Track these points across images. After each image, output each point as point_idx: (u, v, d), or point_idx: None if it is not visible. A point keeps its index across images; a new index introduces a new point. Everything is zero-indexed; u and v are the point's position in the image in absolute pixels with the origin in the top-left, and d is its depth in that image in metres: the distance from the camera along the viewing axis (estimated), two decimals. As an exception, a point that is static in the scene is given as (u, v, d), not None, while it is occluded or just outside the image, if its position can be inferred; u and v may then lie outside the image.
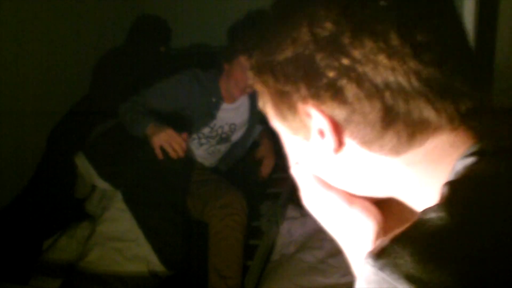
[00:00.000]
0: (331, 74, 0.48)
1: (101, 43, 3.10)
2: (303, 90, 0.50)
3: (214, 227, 2.03)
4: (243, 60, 2.10)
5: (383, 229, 0.56)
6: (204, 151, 2.38)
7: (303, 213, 2.35)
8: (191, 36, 3.31)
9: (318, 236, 2.19)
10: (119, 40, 3.21)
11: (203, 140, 2.33)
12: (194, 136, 2.30)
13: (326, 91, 0.48)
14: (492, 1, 3.58)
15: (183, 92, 2.18)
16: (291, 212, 2.37)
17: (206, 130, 2.30)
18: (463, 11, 2.42)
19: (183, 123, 2.21)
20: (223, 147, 2.43)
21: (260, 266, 2.06)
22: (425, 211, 0.46)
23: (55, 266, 1.93)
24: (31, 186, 2.42)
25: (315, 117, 0.50)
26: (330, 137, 0.51)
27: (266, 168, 2.45)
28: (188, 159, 2.21)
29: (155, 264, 1.94)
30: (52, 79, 2.69)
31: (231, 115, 2.34)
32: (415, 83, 0.47)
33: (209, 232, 2.03)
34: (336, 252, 2.12)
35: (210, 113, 2.26)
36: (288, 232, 2.29)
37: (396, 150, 0.50)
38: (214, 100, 2.25)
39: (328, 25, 0.47)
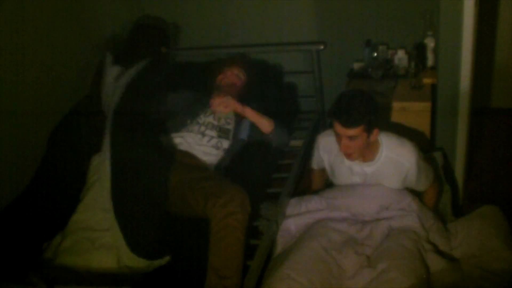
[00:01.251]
0: None
1: (101, 43, 3.10)
2: None
3: (215, 225, 2.02)
4: None
5: None
6: (208, 142, 2.45)
7: (301, 210, 2.36)
8: (191, 36, 3.31)
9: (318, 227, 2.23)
10: (119, 40, 3.21)
11: (203, 128, 2.50)
12: (195, 126, 2.49)
13: None
14: (492, 1, 3.58)
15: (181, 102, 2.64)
16: (288, 210, 2.38)
17: (201, 117, 2.54)
18: (463, 11, 2.42)
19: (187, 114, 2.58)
20: (225, 143, 2.49)
21: (260, 266, 2.06)
22: None
23: (53, 264, 1.93)
24: (31, 187, 2.42)
25: None
26: None
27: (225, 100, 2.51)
28: (168, 153, 2.30)
29: (124, 250, 1.97)
30: (52, 79, 2.69)
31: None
32: None
33: (210, 230, 2.03)
34: (337, 243, 2.13)
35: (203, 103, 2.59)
36: (287, 230, 2.30)
37: None
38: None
39: None
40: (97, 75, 2.83)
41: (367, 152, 2.24)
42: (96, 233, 1.97)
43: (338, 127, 2.10)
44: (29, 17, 2.54)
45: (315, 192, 2.51)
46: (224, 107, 2.50)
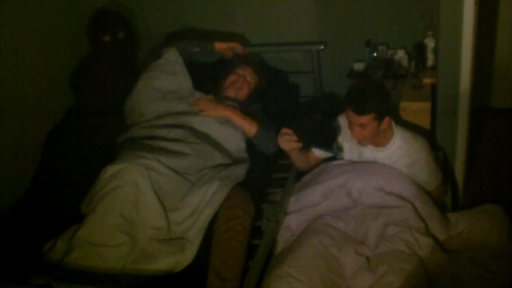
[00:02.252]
0: None
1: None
2: None
3: (219, 227, 2.03)
4: None
5: None
6: None
7: (300, 206, 2.36)
8: (191, 36, 3.31)
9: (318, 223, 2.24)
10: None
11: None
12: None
13: None
14: (492, 1, 3.58)
15: None
16: (288, 207, 2.38)
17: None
18: (463, 11, 2.42)
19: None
20: None
21: (260, 266, 2.06)
22: None
23: (53, 266, 1.92)
24: (32, 190, 2.42)
25: None
26: None
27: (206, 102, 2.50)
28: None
29: (190, 254, 1.98)
30: (52, 79, 2.69)
31: None
32: None
33: (214, 230, 2.03)
34: (337, 240, 2.14)
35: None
36: (287, 227, 2.30)
37: None
38: None
39: None
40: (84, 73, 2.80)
41: (380, 139, 2.29)
42: (105, 249, 1.91)
43: (350, 115, 2.18)
44: (29, 17, 2.54)
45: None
46: (201, 108, 2.48)
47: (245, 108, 2.62)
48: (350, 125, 2.23)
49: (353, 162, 2.41)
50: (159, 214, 2.04)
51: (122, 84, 2.66)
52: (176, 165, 2.16)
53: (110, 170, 2.05)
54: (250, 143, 2.55)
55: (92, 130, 2.54)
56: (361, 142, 2.29)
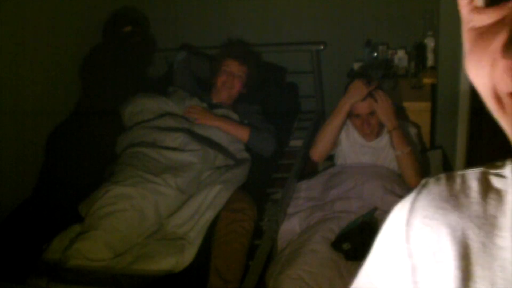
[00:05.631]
0: None
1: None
2: None
3: (222, 229, 2.04)
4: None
5: None
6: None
7: (301, 209, 2.37)
8: (191, 36, 3.31)
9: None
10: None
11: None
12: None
13: None
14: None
15: None
16: (290, 209, 2.38)
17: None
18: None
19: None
20: None
21: (260, 266, 2.06)
22: None
23: (50, 266, 1.92)
24: (35, 192, 2.42)
25: None
26: None
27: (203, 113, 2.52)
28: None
29: (190, 254, 1.98)
30: (52, 79, 2.69)
31: None
32: None
33: (215, 231, 2.04)
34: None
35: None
36: (292, 227, 2.30)
37: None
38: None
39: None
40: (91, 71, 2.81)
41: (379, 127, 2.39)
42: (102, 262, 1.91)
43: (359, 107, 2.30)
44: (29, 16, 2.54)
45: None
46: (194, 117, 2.50)
47: (243, 109, 2.62)
48: (358, 120, 2.34)
49: (357, 166, 2.43)
50: (157, 229, 2.07)
51: (135, 79, 2.71)
52: (183, 182, 2.16)
53: (117, 190, 2.03)
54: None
55: (96, 130, 2.54)
56: (370, 135, 2.37)
